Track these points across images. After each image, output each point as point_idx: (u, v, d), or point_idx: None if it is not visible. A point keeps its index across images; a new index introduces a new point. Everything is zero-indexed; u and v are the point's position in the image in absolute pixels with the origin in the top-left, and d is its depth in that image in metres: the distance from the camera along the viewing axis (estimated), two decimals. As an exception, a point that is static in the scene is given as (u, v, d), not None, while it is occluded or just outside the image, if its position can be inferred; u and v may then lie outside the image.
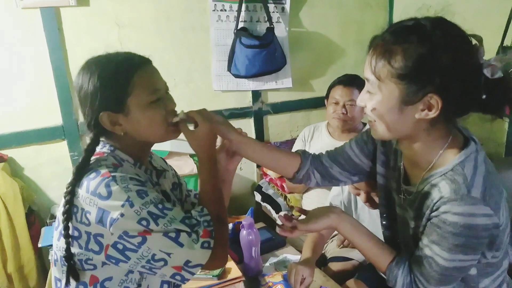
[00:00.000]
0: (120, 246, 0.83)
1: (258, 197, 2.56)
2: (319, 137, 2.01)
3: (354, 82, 1.87)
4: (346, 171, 1.18)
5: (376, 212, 1.40)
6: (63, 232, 0.87)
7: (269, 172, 2.47)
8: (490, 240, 0.85)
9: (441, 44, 0.79)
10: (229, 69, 2.50)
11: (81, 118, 2.28)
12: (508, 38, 2.03)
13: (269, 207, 2.43)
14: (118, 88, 0.91)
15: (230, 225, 1.72)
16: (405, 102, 0.83)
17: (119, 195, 0.83)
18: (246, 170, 2.72)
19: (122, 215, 0.81)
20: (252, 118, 2.65)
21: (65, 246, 0.87)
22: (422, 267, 0.90)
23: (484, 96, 0.82)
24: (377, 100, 0.84)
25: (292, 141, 2.66)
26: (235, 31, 2.43)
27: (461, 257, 0.84)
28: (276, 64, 2.52)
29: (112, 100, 0.92)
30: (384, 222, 1.15)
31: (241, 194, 2.72)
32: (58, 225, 0.92)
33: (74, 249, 0.88)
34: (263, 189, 2.52)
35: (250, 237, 1.46)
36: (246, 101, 2.64)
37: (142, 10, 2.26)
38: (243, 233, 1.47)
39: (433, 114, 0.83)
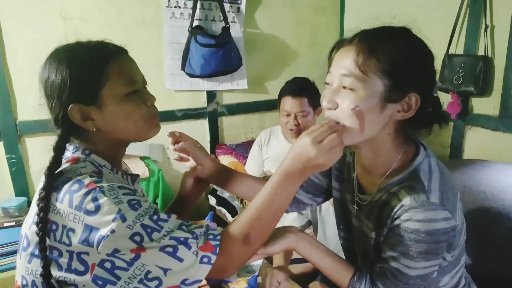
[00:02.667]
0: (108, 265, 0.71)
1: (213, 201, 2.48)
2: (275, 141, 1.99)
3: (303, 91, 1.85)
4: (310, 193, 1.17)
5: None
6: (37, 253, 0.74)
7: (224, 174, 2.40)
8: (449, 243, 0.87)
9: (421, 47, 0.84)
10: (183, 68, 2.41)
11: (20, 117, 2.10)
12: (453, 46, 2.15)
13: (224, 210, 2.36)
14: (91, 77, 0.81)
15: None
16: (387, 99, 0.81)
17: (108, 208, 0.72)
18: (199, 173, 2.64)
19: (112, 231, 0.70)
20: (207, 119, 2.58)
21: (40, 269, 0.74)
22: (385, 278, 0.89)
23: (430, 109, 0.87)
24: (360, 97, 0.80)
25: (247, 143, 2.63)
26: (189, 29, 2.35)
27: (424, 264, 0.85)
28: (232, 64, 2.47)
29: (84, 92, 0.81)
30: (341, 234, 1.15)
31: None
32: (27, 245, 0.78)
33: (52, 272, 0.75)
34: (218, 193, 2.45)
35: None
36: (201, 101, 2.56)
37: (91, 1, 2.11)
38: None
39: (409, 114, 0.83)
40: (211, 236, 0.77)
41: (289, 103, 1.82)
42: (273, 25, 2.72)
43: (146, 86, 0.92)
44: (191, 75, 2.42)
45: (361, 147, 0.91)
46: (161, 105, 2.39)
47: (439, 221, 0.81)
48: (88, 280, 0.72)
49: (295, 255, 1.74)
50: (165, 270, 0.73)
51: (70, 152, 0.84)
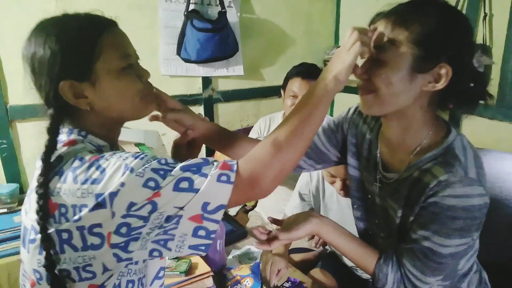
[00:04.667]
0: (124, 230, 0.68)
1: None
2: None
3: (313, 74, 1.83)
4: (311, 159, 1.15)
5: (345, 201, 1.39)
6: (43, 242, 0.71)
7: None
8: (480, 221, 0.86)
9: (456, 19, 0.83)
10: (178, 53, 2.36)
11: (11, 101, 2.03)
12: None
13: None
14: (83, 50, 0.75)
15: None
16: (417, 68, 0.81)
17: (114, 168, 0.68)
18: (194, 160, 2.60)
19: (122, 184, 0.66)
20: (202, 105, 2.54)
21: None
22: (415, 258, 0.88)
23: (471, 84, 0.84)
24: (390, 67, 0.81)
25: (243, 131, 2.60)
26: (185, 13, 2.30)
27: (458, 241, 0.84)
28: (228, 50, 2.43)
29: (76, 66, 0.76)
30: (358, 214, 1.13)
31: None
32: (35, 235, 0.73)
33: (67, 255, 0.71)
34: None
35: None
36: (196, 87, 2.52)
37: (83, -18, 2.04)
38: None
39: (440, 85, 0.82)
40: (226, 160, 0.73)
41: (297, 85, 1.79)
42: (269, 10, 2.68)
43: (138, 61, 0.88)
44: (186, 60, 2.37)
45: (391, 119, 0.91)
46: (157, 90, 2.36)
47: (475, 197, 0.80)
48: (107, 249, 0.69)
49: (293, 245, 1.74)
50: (182, 207, 0.68)
51: (65, 135, 0.79)
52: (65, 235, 0.70)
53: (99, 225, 0.68)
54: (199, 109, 2.55)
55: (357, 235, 1.12)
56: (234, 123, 2.71)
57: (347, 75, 0.76)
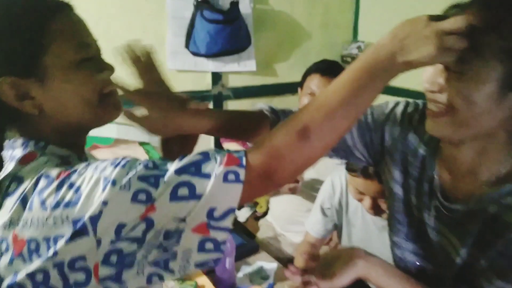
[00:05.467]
0: (114, 258, 0.55)
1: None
2: None
3: (333, 71, 1.66)
4: (330, 150, 0.95)
5: (371, 217, 1.24)
6: None
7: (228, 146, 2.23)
8: None
9: None
10: (187, 46, 2.20)
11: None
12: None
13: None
14: (28, 39, 0.61)
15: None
16: (509, 86, 0.63)
17: (90, 182, 0.55)
18: (202, 161, 2.46)
19: (105, 203, 0.53)
20: (211, 102, 2.38)
21: None
22: None
23: None
24: (471, 81, 0.63)
25: (255, 130, 2.44)
26: (195, 2, 2.14)
27: None
28: (240, 43, 2.27)
29: (18, 59, 0.61)
30: (397, 240, 0.94)
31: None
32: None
33: None
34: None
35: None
36: (205, 83, 2.36)
37: (85, -33, 1.88)
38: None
39: None
40: (229, 151, 0.60)
41: (316, 82, 1.63)
42: (284, 1, 2.49)
43: (100, 54, 0.73)
44: (195, 54, 2.21)
45: (464, 142, 0.73)
46: (163, 86, 2.21)
47: None
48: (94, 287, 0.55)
49: None
50: (184, 218, 0.56)
51: (19, 149, 0.64)
52: (39, 277, 0.55)
53: (82, 258, 0.54)
54: (208, 107, 2.39)
55: (391, 261, 0.96)
56: (245, 122, 2.55)
57: (428, 59, 0.57)
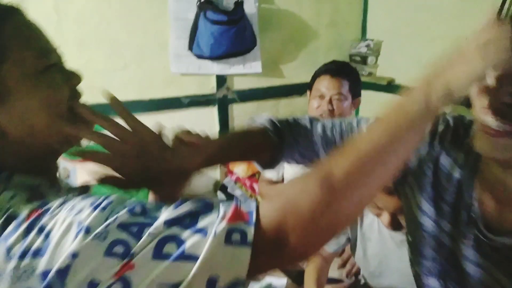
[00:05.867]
0: None
1: (222, 197, 2.24)
2: None
3: (343, 72, 1.58)
4: None
5: (388, 232, 1.15)
6: None
7: (236, 170, 2.15)
8: None
9: None
10: (190, 48, 2.12)
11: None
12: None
13: (235, 209, 2.12)
14: None
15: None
16: None
17: (61, 227, 0.45)
18: (207, 166, 2.38)
19: (74, 255, 0.43)
20: (216, 106, 2.31)
21: None
22: None
23: None
24: None
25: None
26: (198, 3, 2.06)
27: None
28: (245, 44, 2.19)
29: None
30: (425, 275, 0.81)
31: (201, 194, 2.38)
32: None
33: None
34: (228, 190, 2.20)
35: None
36: (209, 87, 2.28)
37: (83, -31, 1.81)
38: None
39: None
40: (236, 202, 0.49)
41: (325, 83, 1.54)
42: (290, 0, 2.41)
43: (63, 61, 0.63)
44: (199, 56, 2.13)
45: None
46: (166, 90, 2.13)
47: None
48: None
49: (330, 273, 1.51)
50: (177, 285, 0.43)
51: None
52: None
53: None
54: (212, 111, 2.32)
55: (410, 278, 0.86)
56: (251, 125, 2.47)
57: (468, 86, 0.50)
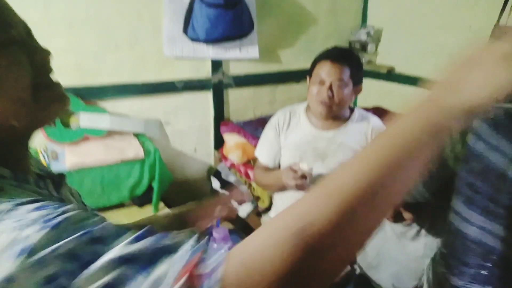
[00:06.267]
0: None
1: (216, 184, 2.21)
2: (296, 125, 1.65)
3: (345, 57, 1.52)
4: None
5: (388, 223, 1.12)
6: None
7: (231, 156, 2.11)
8: None
9: None
10: (185, 31, 2.06)
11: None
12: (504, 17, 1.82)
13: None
14: None
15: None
16: None
17: (2, 242, 0.37)
18: (201, 152, 2.34)
19: (9, 279, 0.35)
20: (211, 91, 2.26)
21: None
22: None
23: None
24: None
25: (257, 122, 2.32)
26: (193, -16, 2.00)
27: None
28: (242, 28, 2.13)
29: None
30: (469, 279, 0.76)
31: (194, 180, 2.35)
32: None
33: None
34: (222, 176, 2.17)
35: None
36: (204, 71, 2.23)
37: None
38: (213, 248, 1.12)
39: None
40: (197, 248, 0.40)
41: (326, 69, 1.48)
42: (289, -16, 2.36)
43: (33, 37, 0.54)
44: (194, 40, 2.08)
45: None
46: (159, 74, 2.07)
47: None
48: None
49: None
50: None
51: None
52: None
53: None
54: (207, 96, 2.27)
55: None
56: (246, 112, 2.42)
57: (492, 102, 0.40)
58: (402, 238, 1.09)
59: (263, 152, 1.68)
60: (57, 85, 0.55)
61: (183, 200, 2.17)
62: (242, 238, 0.41)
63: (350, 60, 1.51)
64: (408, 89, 2.34)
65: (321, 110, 1.51)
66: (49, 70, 0.54)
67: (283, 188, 1.60)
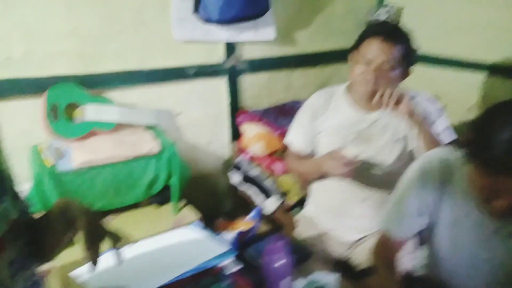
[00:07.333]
0: None
1: (235, 178, 2.03)
2: (336, 107, 1.46)
3: (398, 36, 1.33)
4: None
5: (482, 218, 0.95)
6: None
7: (251, 148, 1.93)
8: None
9: None
10: (196, 11, 1.86)
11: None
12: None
13: (254, 189, 1.91)
14: None
15: (232, 234, 1.19)
16: None
17: None
18: (215, 144, 2.15)
19: None
20: (225, 78, 2.06)
21: None
22: None
23: None
24: None
25: (277, 110, 2.14)
26: (205, -41, 1.80)
27: None
28: (258, 7, 1.94)
29: None
30: None
31: (209, 174, 2.16)
32: None
33: None
34: (242, 169, 1.99)
35: (282, 263, 0.96)
36: (217, 55, 2.03)
37: None
38: (271, 259, 0.95)
39: None
40: None
41: (376, 47, 1.29)
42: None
43: None
44: (206, 20, 1.88)
45: None
46: (168, 60, 1.87)
47: None
48: None
49: (367, 262, 1.32)
50: None
51: None
52: None
53: None
54: (221, 83, 2.07)
55: None
56: (261, 100, 2.23)
57: None
58: (497, 235, 0.94)
59: (297, 138, 1.51)
60: None
61: (200, 197, 2.01)
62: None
63: (404, 38, 1.34)
64: (434, 71, 2.20)
65: (364, 91, 1.35)
66: None
67: (322, 177, 1.44)
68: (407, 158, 1.39)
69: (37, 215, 0.72)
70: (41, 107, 1.59)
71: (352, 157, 1.28)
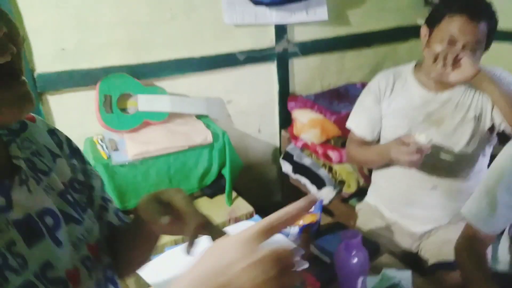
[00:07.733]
0: None
1: (286, 167, 1.96)
2: (402, 88, 1.34)
3: (484, 12, 1.18)
4: None
5: None
6: None
7: (304, 136, 1.85)
8: None
9: None
10: (246, -7, 1.79)
11: (39, 68, 1.55)
12: None
13: (304, 180, 1.84)
14: None
15: (294, 229, 1.13)
16: None
17: None
18: (265, 132, 2.09)
19: None
20: (275, 62, 1.98)
21: None
22: None
23: None
24: None
25: (330, 94, 2.04)
26: None
27: None
28: (310, -14, 1.84)
29: None
30: None
31: (258, 164, 2.11)
32: None
33: None
34: (294, 159, 1.92)
35: (357, 261, 0.89)
36: (267, 39, 1.95)
37: None
38: (347, 256, 0.88)
39: None
40: None
41: (459, 26, 1.14)
42: None
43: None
44: (256, 3, 1.80)
45: None
46: (218, 45, 1.80)
47: None
48: None
49: (439, 256, 1.22)
50: None
51: None
52: None
53: None
54: (270, 68, 2.00)
55: None
56: (313, 84, 2.14)
57: None
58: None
59: (360, 122, 1.40)
60: (19, 85, 0.46)
61: (251, 188, 1.96)
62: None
63: (490, 15, 1.20)
64: (504, 46, 2.00)
65: (441, 75, 1.21)
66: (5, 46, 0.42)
67: (387, 164, 1.34)
68: (480, 141, 1.27)
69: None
70: (95, 99, 1.59)
71: (423, 142, 1.17)
